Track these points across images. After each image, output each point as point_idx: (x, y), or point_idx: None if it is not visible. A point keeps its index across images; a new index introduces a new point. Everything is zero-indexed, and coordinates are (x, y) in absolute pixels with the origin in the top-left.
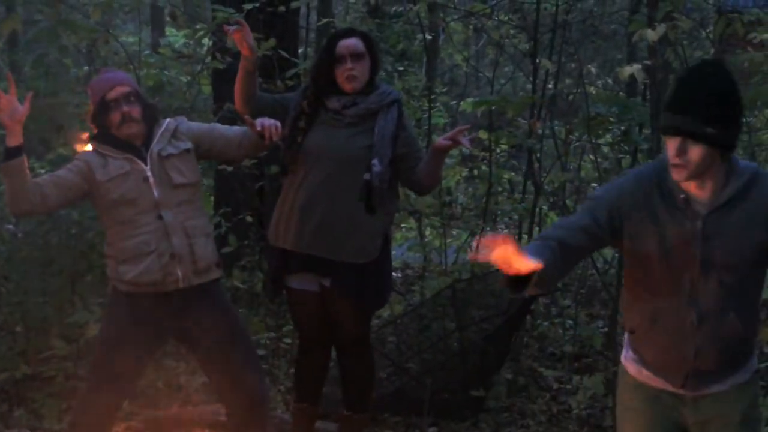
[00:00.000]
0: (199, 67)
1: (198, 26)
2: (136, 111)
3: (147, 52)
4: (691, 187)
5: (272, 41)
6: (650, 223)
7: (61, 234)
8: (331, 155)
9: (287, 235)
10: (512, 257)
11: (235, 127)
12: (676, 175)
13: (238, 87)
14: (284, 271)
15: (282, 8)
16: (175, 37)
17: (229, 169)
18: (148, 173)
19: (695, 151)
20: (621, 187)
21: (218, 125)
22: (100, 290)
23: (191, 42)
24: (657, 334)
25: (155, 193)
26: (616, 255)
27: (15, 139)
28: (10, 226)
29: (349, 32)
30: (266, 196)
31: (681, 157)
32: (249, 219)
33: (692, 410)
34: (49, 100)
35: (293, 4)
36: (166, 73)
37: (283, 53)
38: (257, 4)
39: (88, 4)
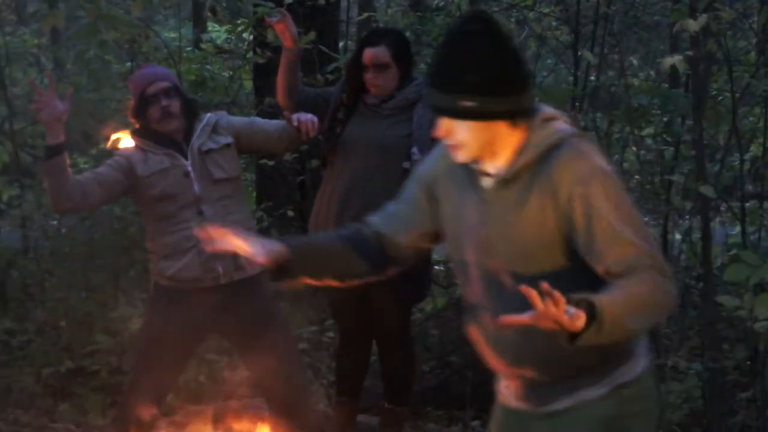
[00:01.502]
0: (240, 62)
1: (239, 21)
2: (175, 106)
3: (189, 48)
4: (485, 157)
5: (312, 35)
6: (446, 202)
7: (103, 229)
8: (370, 145)
9: (327, 227)
10: (240, 244)
11: (275, 121)
12: (456, 157)
13: (280, 79)
14: None
15: (322, 2)
16: (216, 32)
17: (271, 163)
18: (189, 168)
19: (462, 129)
20: (433, 158)
21: (258, 119)
22: (142, 285)
23: (232, 37)
24: (480, 327)
25: (196, 188)
26: (660, 247)
27: (56, 137)
28: (54, 222)
29: (378, 38)
30: (308, 190)
31: (451, 137)
32: (291, 213)
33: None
34: (91, 95)
35: None
36: (208, 68)
37: (323, 47)
38: None
39: (129, 0)
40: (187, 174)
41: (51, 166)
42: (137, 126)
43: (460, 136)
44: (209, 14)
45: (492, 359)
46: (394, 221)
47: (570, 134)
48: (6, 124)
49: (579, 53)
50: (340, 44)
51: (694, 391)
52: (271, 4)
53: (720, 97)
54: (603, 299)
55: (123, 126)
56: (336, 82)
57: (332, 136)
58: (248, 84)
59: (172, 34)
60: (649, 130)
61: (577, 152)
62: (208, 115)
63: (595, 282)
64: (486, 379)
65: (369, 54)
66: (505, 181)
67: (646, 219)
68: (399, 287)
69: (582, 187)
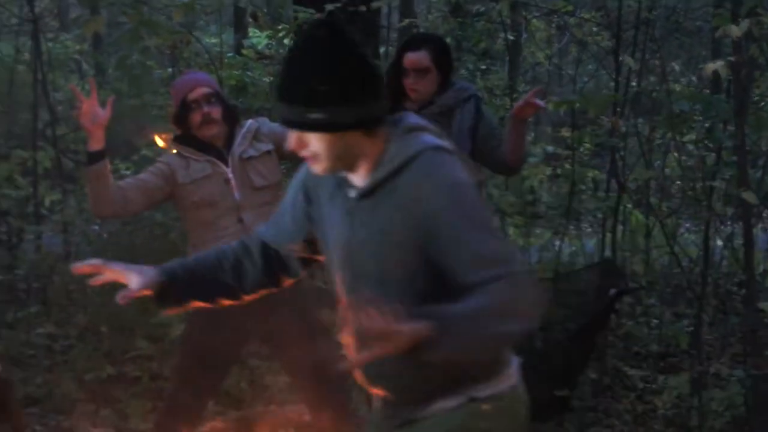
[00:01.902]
0: (281, 68)
1: (280, 27)
2: (216, 112)
3: (229, 53)
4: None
5: None
6: (318, 207)
7: (145, 235)
8: None
9: None
10: (119, 275)
11: None
12: (315, 169)
13: None
14: None
15: (363, 8)
16: (257, 38)
17: None
18: (230, 175)
19: (314, 141)
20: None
21: None
22: None
23: (273, 42)
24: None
25: (236, 195)
26: (701, 253)
27: (97, 143)
28: (96, 227)
29: (418, 43)
30: None
31: (305, 150)
32: None
33: None
34: (132, 101)
35: (374, 4)
36: (249, 73)
37: None
38: (338, 4)
39: (171, 6)
40: (227, 181)
41: (92, 171)
42: (178, 132)
43: (314, 147)
44: (250, 20)
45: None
46: (278, 230)
47: (429, 146)
48: (48, 129)
49: (620, 59)
50: (381, 50)
51: (737, 399)
52: (311, 10)
53: (762, 103)
54: (450, 312)
55: (164, 132)
56: None
57: None
58: None
59: (213, 40)
60: (690, 136)
61: (432, 165)
62: (249, 121)
63: (454, 296)
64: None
65: (410, 58)
66: (366, 192)
67: (687, 225)
68: None
69: (435, 201)
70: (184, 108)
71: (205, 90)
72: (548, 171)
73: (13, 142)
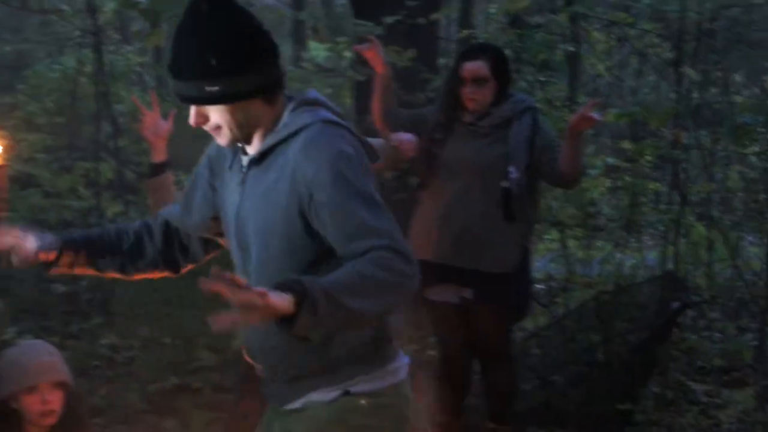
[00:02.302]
0: (341, 80)
1: (339, 40)
2: None
3: (289, 66)
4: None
5: (412, 53)
6: (220, 182)
7: None
8: (468, 165)
9: (426, 247)
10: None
11: (376, 140)
12: (220, 141)
13: (375, 103)
14: (424, 283)
15: (422, 20)
16: (316, 50)
17: None
18: None
19: (215, 114)
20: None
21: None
22: None
23: (333, 55)
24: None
25: None
26: (765, 266)
27: (159, 155)
28: None
29: (477, 53)
30: (408, 207)
31: (206, 124)
32: None
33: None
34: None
35: (433, 16)
36: (309, 86)
37: (423, 65)
38: (398, 17)
39: None
40: None
41: (154, 183)
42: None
43: (215, 120)
44: (310, 32)
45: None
46: (187, 208)
47: (321, 119)
48: (110, 141)
49: (681, 70)
50: (440, 62)
51: None
52: (371, 23)
53: None
54: (317, 279)
55: None
56: (435, 100)
57: (429, 157)
58: (349, 101)
59: None
60: (753, 148)
61: (320, 136)
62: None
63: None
64: (589, 399)
65: (468, 68)
66: (256, 160)
67: (750, 238)
68: (500, 306)
69: (320, 172)
70: None
71: None
72: (608, 183)
73: (76, 154)
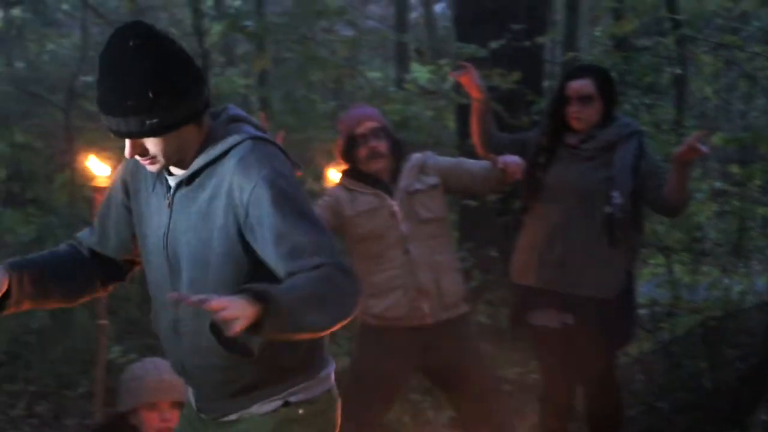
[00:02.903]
0: (443, 102)
1: (442, 62)
2: (383, 146)
3: (392, 88)
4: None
5: (516, 76)
6: (139, 202)
7: None
8: (571, 189)
9: (528, 271)
10: None
11: (481, 162)
12: (153, 169)
13: (474, 128)
14: (526, 307)
15: (527, 43)
16: (419, 72)
17: (474, 203)
18: (396, 208)
19: (151, 145)
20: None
21: (464, 160)
22: (348, 324)
23: (435, 77)
24: (160, 334)
25: (402, 228)
26: None
27: None
28: None
29: (582, 72)
30: (511, 230)
31: (145, 157)
32: (494, 254)
33: None
34: (297, 135)
35: (538, 39)
36: (412, 108)
37: (527, 88)
38: (502, 40)
39: (336, 41)
40: (393, 214)
41: None
42: (345, 166)
43: (152, 151)
44: (414, 54)
45: (170, 361)
46: (102, 232)
47: (250, 136)
48: None
49: None
50: (544, 84)
51: None
52: (474, 46)
53: None
54: (274, 287)
55: (331, 166)
56: (539, 123)
57: (532, 180)
58: (451, 124)
59: (376, 74)
60: None
61: (253, 154)
62: (416, 155)
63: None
64: (695, 426)
65: (573, 86)
66: (185, 181)
67: None
68: (605, 330)
69: (257, 190)
70: (352, 142)
71: (372, 124)
72: (716, 207)
73: None
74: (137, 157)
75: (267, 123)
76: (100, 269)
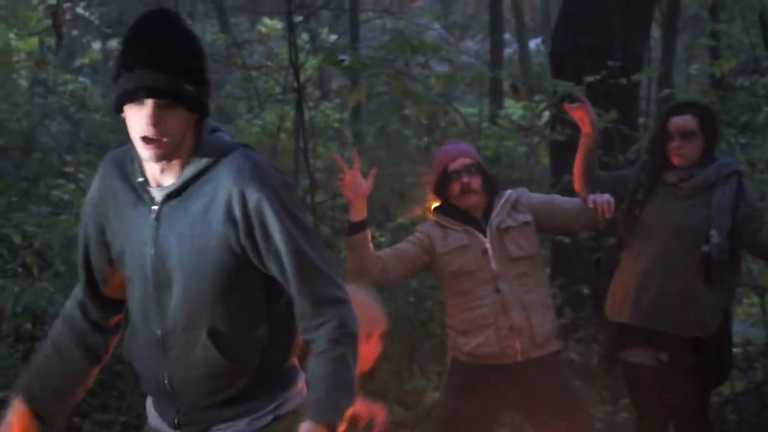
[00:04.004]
0: (536, 139)
1: (537, 98)
2: (476, 182)
3: (485, 124)
4: (154, 167)
5: (613, 114)
6: (115, 221)
7: (400, 302)
8: (669, 227)
9: (624, 309)
10: None
11: (573, 200)
12: (151, 153)
13: (577, 164)
14: (620, 345)
15: (623, 80)
16: (513, 108)
17: (566, 240)
18: (487, 245)
19: (175, 117)
20: (94, 183)
21: (557, 197)
22: (438, 359)
23: (529, 114)
24: (136, 354)
25: (493, 265)
26: None
27: (359, 214)
28: None
29: (684, 108)
30: (603, 267)
31: (158, 127)
32: (585, 291)
33: None
34: (389, 169)
35: (635, 77)
36: (505, 144)
37: (624, 126)
38: (598, 77)
39: (431, 76)
40: (485, 251)
41: (353, 241)
42: (438, 202)
43: (168, 125)
44: (508, 90)
45: (150, 385)
46: (87, 274)
47: (238, 144)
48: (308, 196)
49: None
50: (640, 122)
51: None
52: (570, 83)
53: None
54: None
55: (421, 201)
56: (636, 162)
57: (630, 217)
58: (545, 160)
59: (469, 110)
60: None
61: (249, 166)
62: (509, 191)
63: (275, 300)
64: None
65: (675, 122)
66: (175, 191)
67: None
68: (700, 369)
69: (259, 203)
70: (445, 177)
71: (466, 160)
72: None
73: None
74: (148, 133)
75: (359, 158)
76: (98, 325)
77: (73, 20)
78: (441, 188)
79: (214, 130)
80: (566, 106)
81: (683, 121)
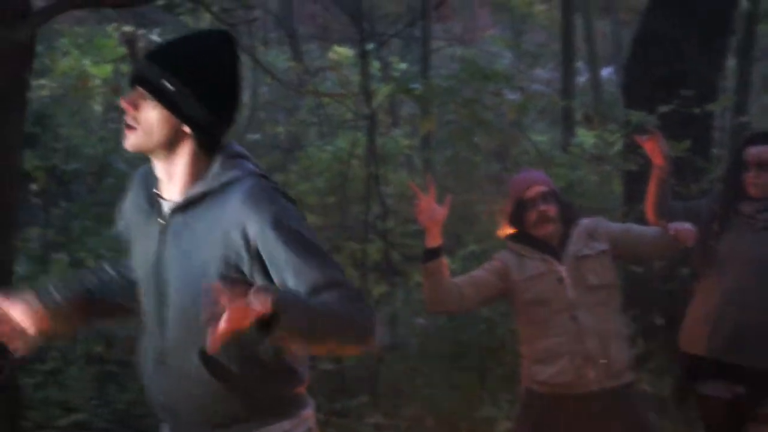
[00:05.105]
0: (610, 167)
1: (609, 127)
2: (552, 210)
3: (557, 153)
4: (163, 179)
5: (686, 143)
6: (134, 228)
7: (471, 330)
8: (744, 259)
9: (699, 341)
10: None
11: (651, 228)
12: (125, 138)
13: (650, 194)
14: (695, 377)
15: (696, 110)
16: (584, 136)
17: (639, 270)
18: (564, 274)
19: (150, 110)
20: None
21: (634, 226)
22: (509, 387)
23: (601, 142)
24: (140, 361)
25: (570, 294)
26: None
27: (434, 240)
28: (422, 321)
29: (762, 138)
30: (677, 298)
31: (135, 113)
32: (659, 321)
33: None
34: (460, 196)
35: (708, 106)
36: (577, 172)
37: (696, 156)
38: (671, 106)
39: (502, 104)
40: (561, 280)
41: (429, 268)
42: (514, 230)
43: (145, 115)
44: (580, 119)
45: (149, 396)
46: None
47: (253, 172)
48: (378, 222)
49: None
50: (714, 152)
51: None
52: (643, 112)
53: None
54: (287, 290)
55: (492, 229)
56: (709, 192)
57: (705, 248)
58: (617, 189)
59: (540, 138)
60: None
61: (259, 191)
62: (586, 220)
63: None
64: None
65: (753, 152)
66: (180, 207)
67: None
68: None
69: (263, 228)
70: (520, 206)
71: (541, 188)
72: None
73: (345, 234)
74: (125, 117)
75: (432, 185)
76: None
77: (146, 47)
78: (517, 216)
79: (238, 156)
80: (637, 138)
81: (761, 151)
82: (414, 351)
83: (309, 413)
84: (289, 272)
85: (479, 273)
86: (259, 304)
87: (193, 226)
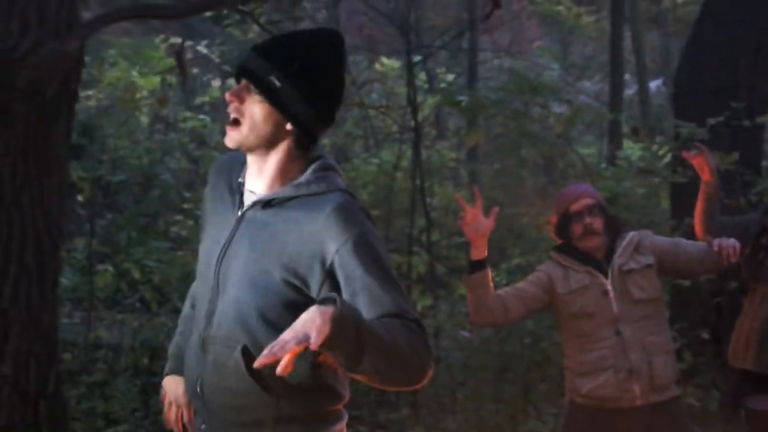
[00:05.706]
0: (657, 180)
1: (658, 140)
2: (598, 223)
3: (603, 165)
4: (252, 171)
5: (735, 156)
6: (211, 214)
7: (515, 343)
8: None
9: (747, 355)
10: None
11: (698, 243)
12: (228, 135)
13: (698, 209)
14: (743, 392)
15: (746, 122)
16: (631, 149)
17: (686, 283)
18: (609, 287)
19: (254, 106)
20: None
21: (681, 240)
22: (553, 400)
23: (648, 155)
24: (186, 348)
25: (614, 307)
26: None
27: (480, 253)
28: (466, 333)
29: None
30: (724, 313)
31: (238, 106)
32: (705, 336)
33: None
34: (506, 209)
35: (759, 119)
36: (624, 185)
37: (746, 169)
38: (721, 118)
39: (549, 117)
40: (606, 293)
41: (474, 280)
42: (559, 242)
43: (249, 109)
44: (627, 132)
45: (187, 385)
46: None
47: (344, 189)
48: (423, 235)
49: None
50: (763, 165)
51: None
52: (692, 124)
53: None
54: (359, 313)
55: (538, 242)
56: (759, 205)
57: (753, 262)
58: (665, 203)
59: (587, 150)
60: None
61: (349, 209)
62: (632, 233)
63: None
64: None
65: None
66: (264, 202)
67: None
68: None
69: (346, 245)
70: (567, 218)
71: (588, 201)
72: None
73: (390, 246)
74: (229, 110)
75: (479, 197)
76: None
77: (194, 59)
78: (563, 229)
79: (330, 169)
80: (685, 154)
81: None
82: (458, 364)
83: (341, 428)
84: (365, 296)
85: (523, 285)
86: (316, 334)
87: (271, 225)
